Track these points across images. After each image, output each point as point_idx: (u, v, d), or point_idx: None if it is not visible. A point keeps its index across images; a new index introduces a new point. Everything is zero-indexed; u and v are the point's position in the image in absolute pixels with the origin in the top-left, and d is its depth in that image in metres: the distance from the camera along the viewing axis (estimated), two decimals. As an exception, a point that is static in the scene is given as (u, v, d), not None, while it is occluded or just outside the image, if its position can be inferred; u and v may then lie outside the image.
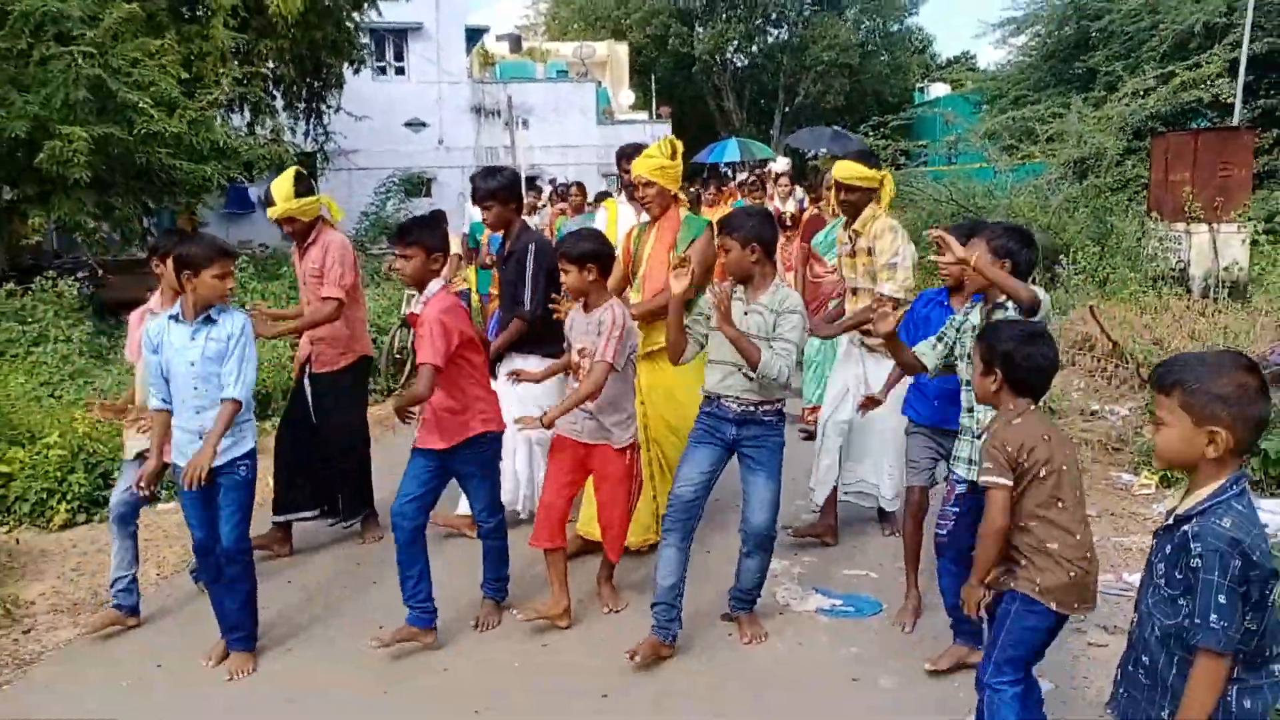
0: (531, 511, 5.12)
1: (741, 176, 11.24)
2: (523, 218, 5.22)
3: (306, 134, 17.01)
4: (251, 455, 3.89)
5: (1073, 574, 2.76)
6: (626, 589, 4.54)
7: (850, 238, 4.75)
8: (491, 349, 4.84)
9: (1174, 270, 9.96)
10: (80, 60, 8.96)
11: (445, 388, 3.91)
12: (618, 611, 4.36)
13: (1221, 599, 1.99)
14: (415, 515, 3.98)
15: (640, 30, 36.02)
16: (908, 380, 4.19)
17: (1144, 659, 2.22)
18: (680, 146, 4.81)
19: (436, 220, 4.13)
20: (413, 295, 4.45)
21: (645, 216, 5.00)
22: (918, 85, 36.87)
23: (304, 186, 4.88)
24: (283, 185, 4.87)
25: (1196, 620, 2.02)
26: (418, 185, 22.79)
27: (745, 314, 3.78)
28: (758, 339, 3.70)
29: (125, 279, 11.65)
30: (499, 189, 4.94)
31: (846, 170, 4.68)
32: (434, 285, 3.95)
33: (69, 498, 5.60)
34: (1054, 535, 2.76)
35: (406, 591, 3.98)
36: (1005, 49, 22.02)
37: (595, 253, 4.01)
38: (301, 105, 16.56)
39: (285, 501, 5.17)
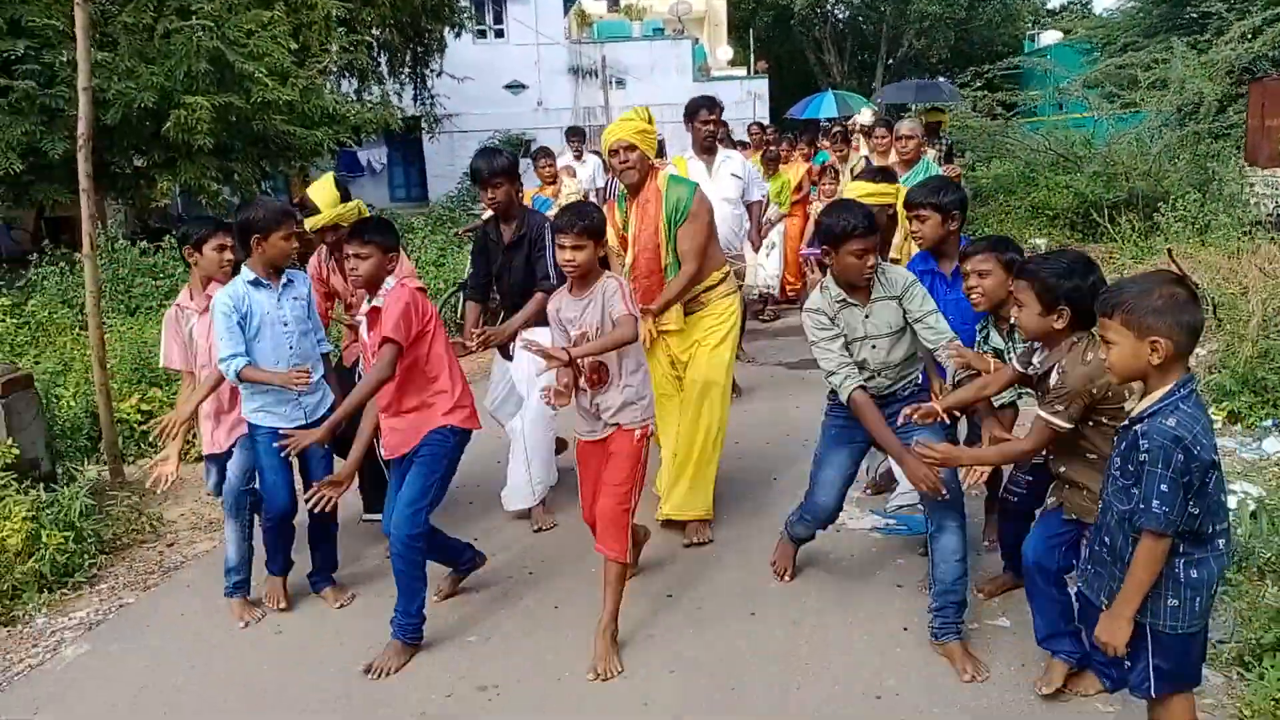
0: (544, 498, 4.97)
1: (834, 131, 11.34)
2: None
3: (414, 98, 17.60)
4: (333, 408, 3.97)
5: None
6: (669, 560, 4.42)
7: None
8: (515, 325, 4.68)
9: (1271, 216, 9.76)
10: (200, 33, 9.60)
11: (402, 387, 3.70)
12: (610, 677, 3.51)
13: (1164, 488, 2.27)
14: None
15: (739, -16, 35.80)
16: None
17: (1105, 539, 2.53)
18: (652, 115, 4.71)
19: (389, 223, 3.91)
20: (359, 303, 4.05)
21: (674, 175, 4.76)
22: (1029, 33, 35.77)
23: (344, 192, 4.71)
24: (326, 190, 4.65)
25: (1142, 505, 2.32)
26: (517, 146, 23.33)
27: (866, 318, 3.59)
28: (890, 335, 3.58)
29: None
30: (509, 166, 4.73)
31: (858, 192, 4.58)
32: (389, 281, 3.71)
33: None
34: None
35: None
36: (1117, -4, 21.39)
37: (603, 227, 3.67)
38: (406, 70, 17.17)
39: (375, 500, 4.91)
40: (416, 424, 3.73)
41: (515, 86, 24.69)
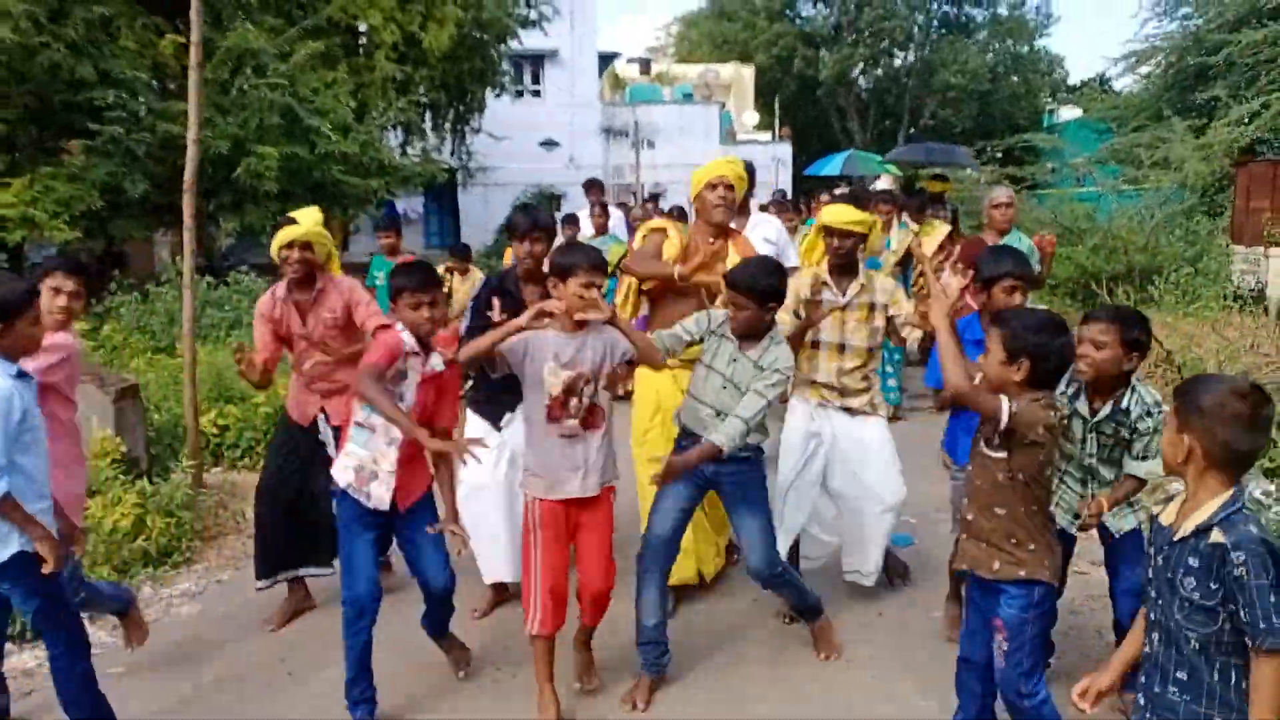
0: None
1: (839, 191, 11.80)
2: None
3: (452, 153, 18.59)
4: None
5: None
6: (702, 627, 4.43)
7: (842, 291, 4.36)
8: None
9: (1254, 291, 10.48)
10: (274, 92, 10.58)
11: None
12: (591, 691, 3.90)
13: (1274, 599, 2.10)
14: (379, 596, 3.64)
15: (766, 53, 37.05)
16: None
17: (1178, 674, 2.28)
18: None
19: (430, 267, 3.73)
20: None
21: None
22: (1047, 107, 36.73)
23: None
24: (311, 212, 4.45)
25: (1261, 625, 2.10)
26: (548, 201, 24.30)
27: (733, 360, 3.70)
28: (733, 385, 3.67)
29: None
30: (550, 223, 4.55)
31: (842, 215, 4.29)
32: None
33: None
34: (1046, 511, 3.02)
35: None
36: (1132, 77, 22.29)
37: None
38: (447, 126, 18.18)
39: (276, 565, 4.63)
40: (419, 475, 3.69)
41: (549, 144, 25.75)
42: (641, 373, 4.68)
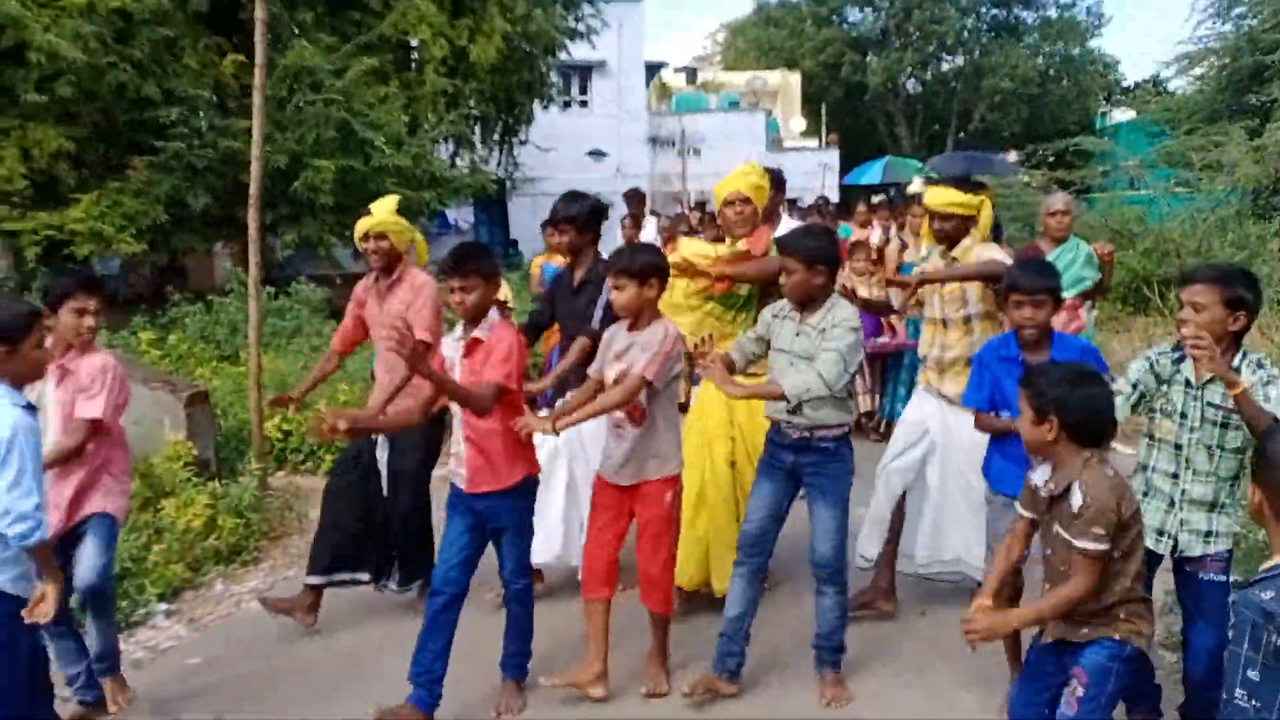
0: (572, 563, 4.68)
1: (876, 199, 11.58)
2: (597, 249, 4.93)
3: (499, 164, 18.85)
4: None
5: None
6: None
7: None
8: (554, 374, 4.69)
9: (1310, 295, 10.34)
10: (331, 107, 10.90)
11: (503, 421, 3.63)
12: (661, 695, 3.92)
13: (1252, 674, 1.87)
14: (460, 579, 3.77)
15: (813, 59, 37.01)
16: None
17: None
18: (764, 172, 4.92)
19: (486, 248, 3.95)
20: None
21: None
22: (1100, 110, 36.21)
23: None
24: (386, 202, 4.70)
25: (1224, 695, 1.93)
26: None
27: (796, 335, 3.75)
28: (802, 359, 3.68)
29: (346, 290, 13.75)
30: (579, 214, 4.76)
31: (942, 197, 4.41)
32: (494, 314, 3.69)
33: (333, 450, 7.22)
34: (1138, 574, 2.81)
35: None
36: (1185, 79, 21.98)
37: (656, 266, 3.74)
38: (495, 138, 18.46)
39: (330, 563, 4.69)
40: (508, 460, 3.72)
41: (596, 154, 26.01)
42: (692, 418, 4.68)
